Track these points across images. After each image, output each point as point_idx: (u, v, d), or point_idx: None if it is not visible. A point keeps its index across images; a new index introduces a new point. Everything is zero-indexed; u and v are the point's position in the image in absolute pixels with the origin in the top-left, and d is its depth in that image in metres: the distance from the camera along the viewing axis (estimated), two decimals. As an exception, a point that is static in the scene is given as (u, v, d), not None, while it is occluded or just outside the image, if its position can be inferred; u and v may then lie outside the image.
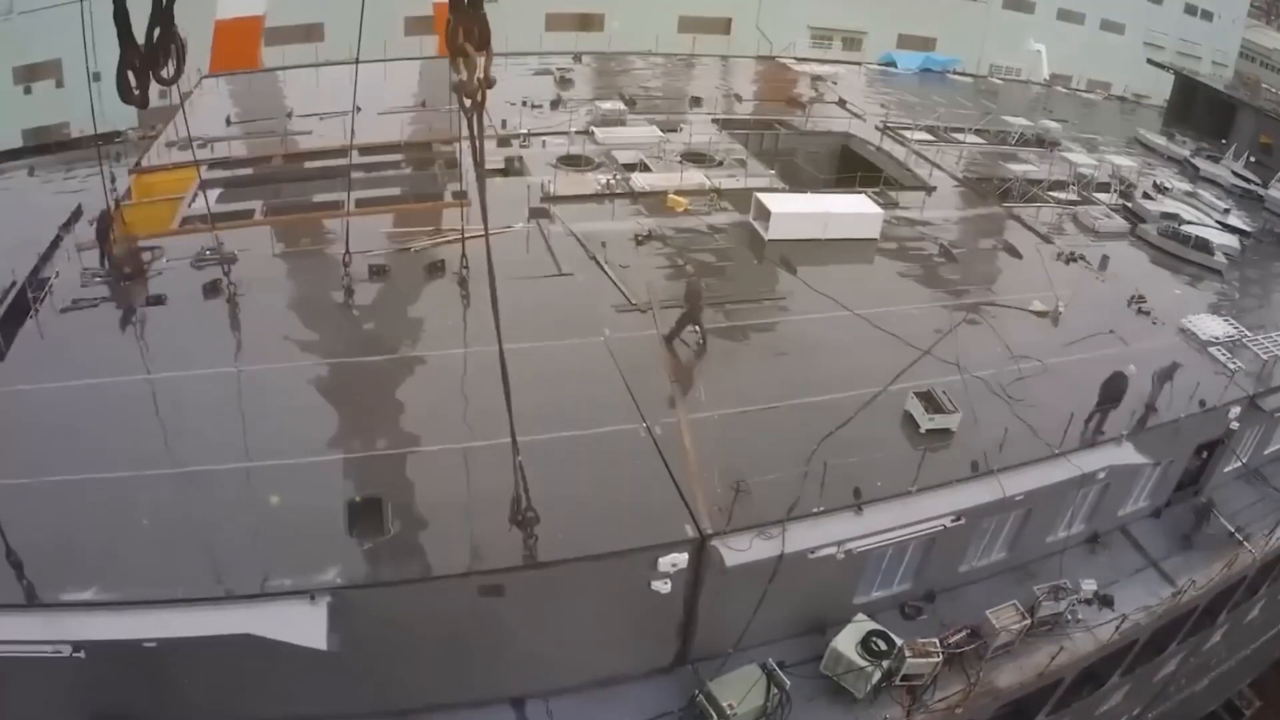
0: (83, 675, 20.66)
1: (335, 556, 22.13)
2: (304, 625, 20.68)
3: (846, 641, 25.77)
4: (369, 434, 26.46)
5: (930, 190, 48.93)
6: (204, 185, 38.11)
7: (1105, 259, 41.78)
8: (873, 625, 26.27)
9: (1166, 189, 53.00)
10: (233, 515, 23.37)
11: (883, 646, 25.69)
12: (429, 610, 22.81)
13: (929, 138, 58.81)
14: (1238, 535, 32.37)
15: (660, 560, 23.69)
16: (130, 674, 21.10)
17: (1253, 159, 59.43)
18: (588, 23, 77.69)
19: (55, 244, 36.42)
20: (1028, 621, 27.68)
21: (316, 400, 28.35)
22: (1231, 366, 34.39)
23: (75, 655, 20.09)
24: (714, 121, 56.19)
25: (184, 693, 21.61)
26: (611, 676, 25.39)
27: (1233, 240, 46.86)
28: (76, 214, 39.40)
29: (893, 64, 78.62)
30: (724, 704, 23.88)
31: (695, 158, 50.44)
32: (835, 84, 68.60)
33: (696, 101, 60.83)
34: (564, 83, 62.48)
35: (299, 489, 24.40)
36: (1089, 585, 29.45)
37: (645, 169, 47.83)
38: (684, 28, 77.51)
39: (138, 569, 21.49)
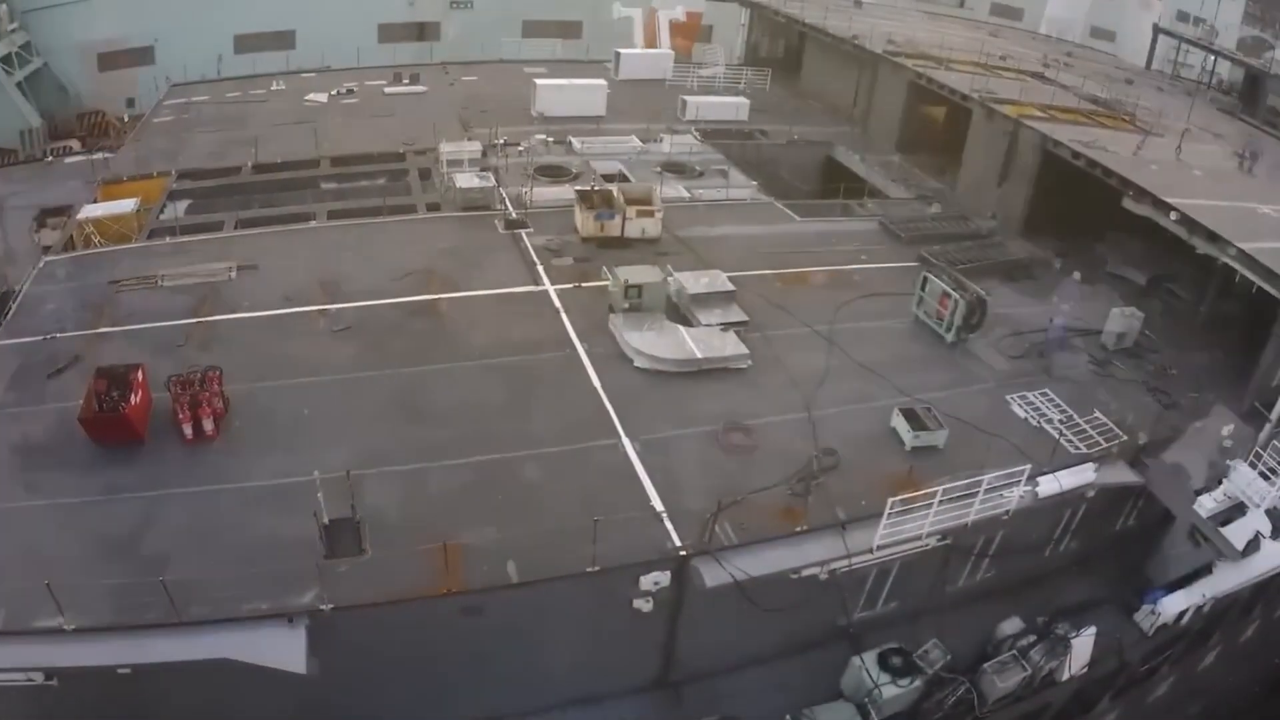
0: (55, 703, 20.98)
1: (312, 578, 22.43)
2: (282, 649, 21.09)
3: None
4: (342, 454, 26.76)
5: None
6: (173, 196, 38.41)
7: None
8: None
9: None
10: (206, 539, 23.81)
11: (899, 662, 27.13)
12: (409, 631, 23.26)
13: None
14: None
15: (642, 578, 24.23)
16: (105, 701, 21.45)
17: None
18: (565, 30, 78.38)
19: None
20: (1028, 673, 28.28)
21: (286, 420, 28.77)
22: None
23: (48, 683, 20.47)
24: (695, 131, 56.65)
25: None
26: (593, 695, 25.91)
27: None
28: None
29: None
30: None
31: (675, 168, 51.06)
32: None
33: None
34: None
35: (272, 511, 24.85)
36: (1087, 634, 29.43)
37: (624, 179, 48.33)
38: (662, 32, 78.12)
39: (110, 594, 21.79)
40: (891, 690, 26.74)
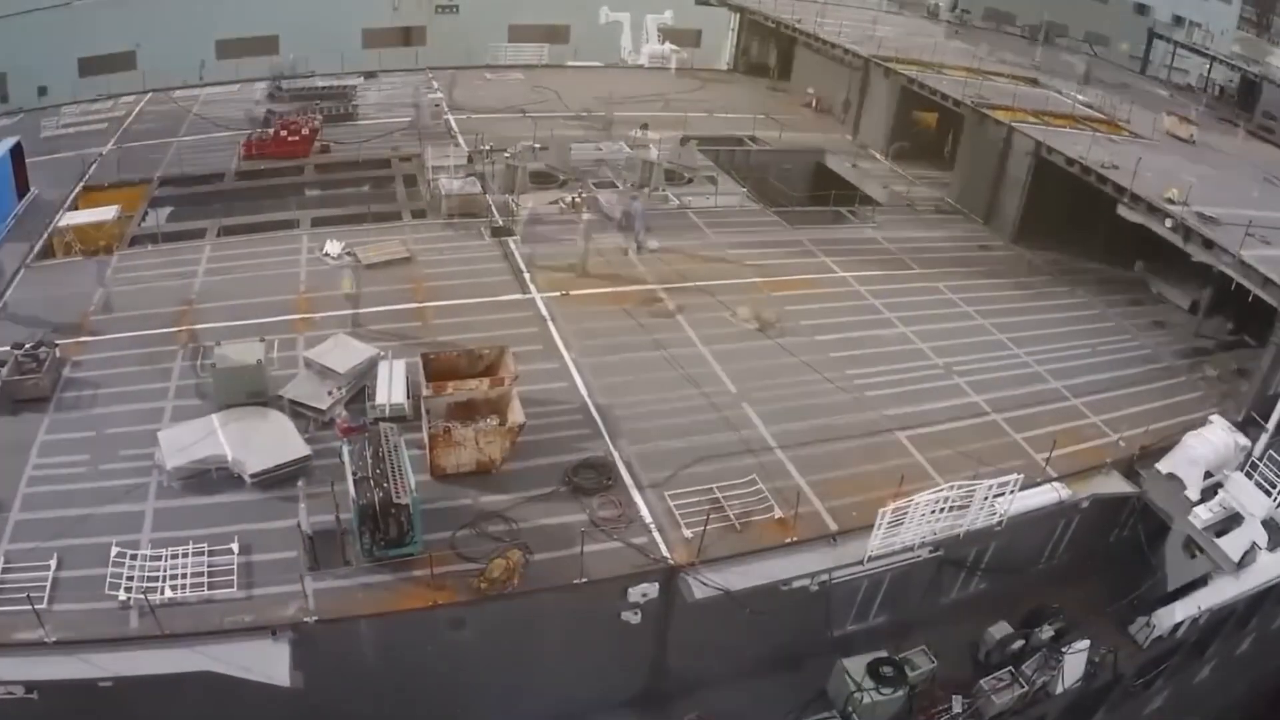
0: (36, 717, 20.98)
1: (296, 591, 22.50)
2: (265, 661, 21.14)
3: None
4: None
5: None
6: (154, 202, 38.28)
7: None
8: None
9: None
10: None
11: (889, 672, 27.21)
12: (394, 644, 23.33)
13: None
14: None
15: (630, 590, 24.33)
16: (86, 715, 21.50)
17: None
18: (552, 34, 78.46)
19: None
20: (1024, 689, 28.34)
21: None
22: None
23: (28, 696, 20.48)
24: (686, 137, 56.62)
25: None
26: (581, 708, 25.98)
27: None
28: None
29: None
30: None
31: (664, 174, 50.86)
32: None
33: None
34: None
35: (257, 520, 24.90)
36: (1081, 647, 29.49)
37: (612, 185, 48.54)
38: (654, 39, 78.41)
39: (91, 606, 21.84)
40: (879, 699, 26.89)
